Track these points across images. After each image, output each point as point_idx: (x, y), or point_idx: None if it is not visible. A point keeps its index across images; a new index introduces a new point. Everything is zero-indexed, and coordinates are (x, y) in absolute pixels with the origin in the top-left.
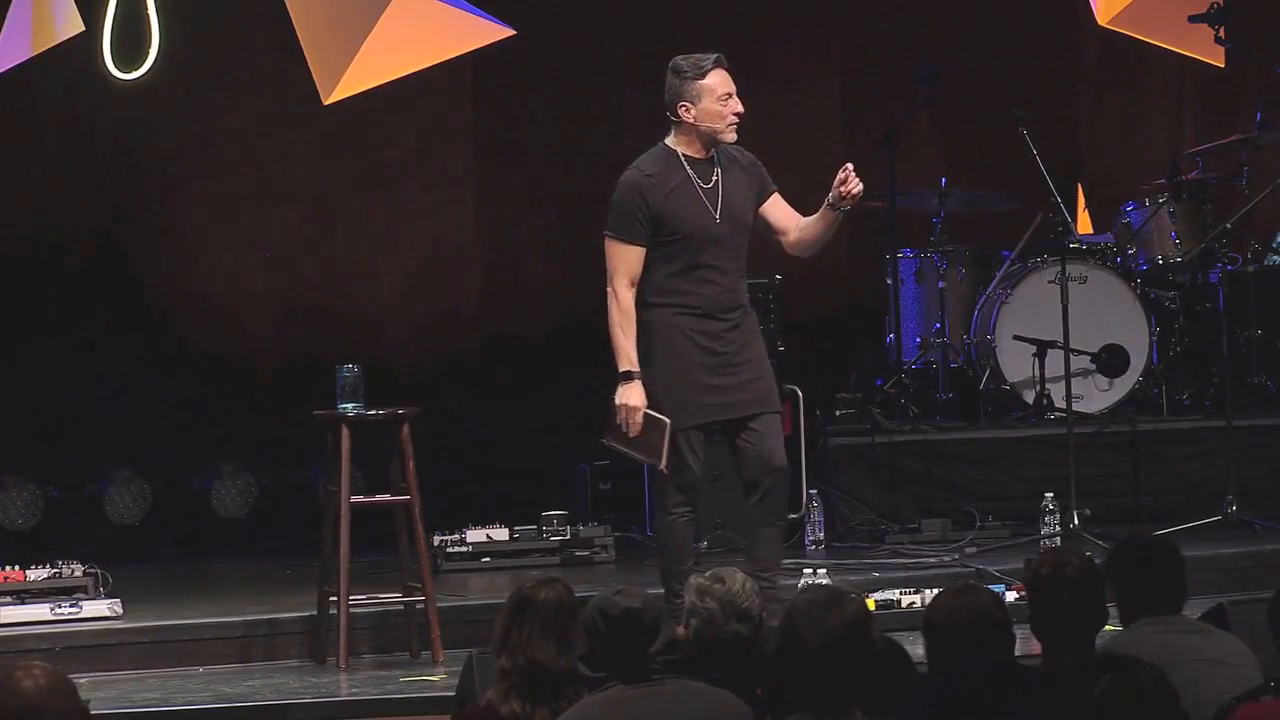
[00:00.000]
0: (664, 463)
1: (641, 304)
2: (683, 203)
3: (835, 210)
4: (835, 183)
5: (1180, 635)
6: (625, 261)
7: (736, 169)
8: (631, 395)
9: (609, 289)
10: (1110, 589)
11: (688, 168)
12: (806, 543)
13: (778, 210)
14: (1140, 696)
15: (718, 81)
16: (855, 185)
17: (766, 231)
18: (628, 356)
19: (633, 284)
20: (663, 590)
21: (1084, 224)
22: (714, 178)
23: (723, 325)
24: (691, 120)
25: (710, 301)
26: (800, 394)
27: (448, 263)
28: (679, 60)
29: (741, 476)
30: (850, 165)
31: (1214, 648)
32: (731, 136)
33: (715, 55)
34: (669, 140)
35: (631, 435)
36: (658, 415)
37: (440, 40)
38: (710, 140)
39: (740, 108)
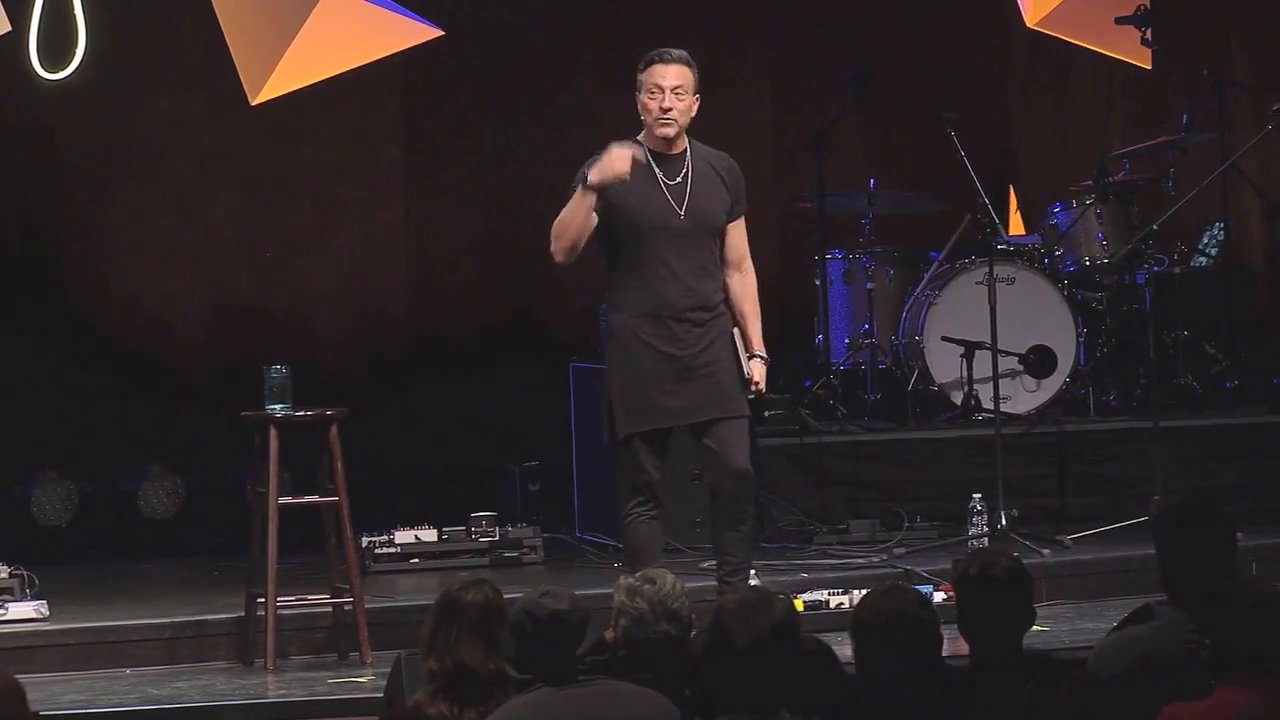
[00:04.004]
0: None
1: (608, 308)
2: (641, 194)
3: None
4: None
5: None
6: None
7: (712, 173)
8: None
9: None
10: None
11: (652, 162)
12: None
13: (730, 238)
14: (1067, 697)
15: (648, 75)
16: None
17: None
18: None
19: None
20: None
21: (1016, 225)
22: (682, 175)
23: (683, 327)
24: (641, 113)
25: (666, 301)
26: None
27: (376, 263)
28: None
29: (706, 480)
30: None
31: None
32: (663, 131)
33: (663, 50)
34: (641, 135)
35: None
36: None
37: (368, 41)
38: (654, 135)
39: (667, 103)
